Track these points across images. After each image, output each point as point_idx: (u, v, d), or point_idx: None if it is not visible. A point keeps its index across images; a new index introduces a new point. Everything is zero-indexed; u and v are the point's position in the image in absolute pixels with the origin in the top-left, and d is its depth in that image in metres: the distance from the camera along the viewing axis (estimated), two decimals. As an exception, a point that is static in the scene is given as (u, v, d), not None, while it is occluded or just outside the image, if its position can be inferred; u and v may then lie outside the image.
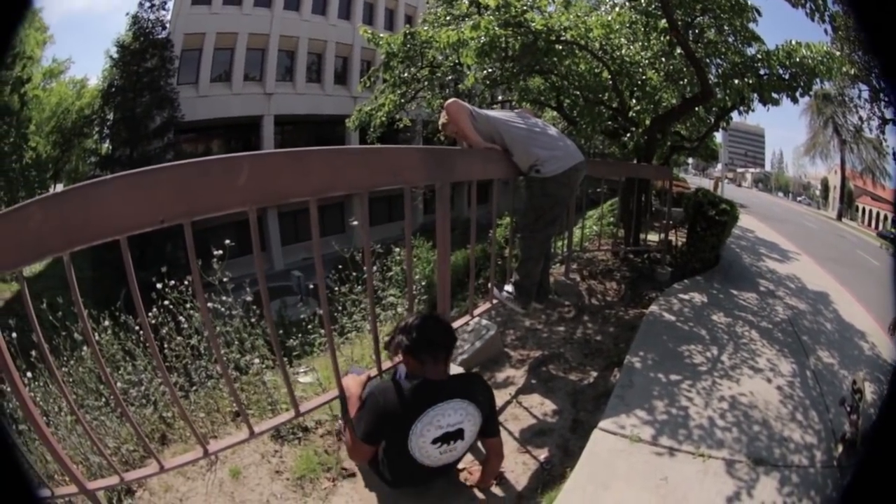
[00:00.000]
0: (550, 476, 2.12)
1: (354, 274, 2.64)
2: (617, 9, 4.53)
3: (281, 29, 17.63)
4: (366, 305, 2.78)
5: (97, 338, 2.30)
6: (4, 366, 1.40)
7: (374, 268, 2.99)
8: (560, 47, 4.13)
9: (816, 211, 22.27)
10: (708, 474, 1.96)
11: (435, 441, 1.67)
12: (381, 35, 5.61)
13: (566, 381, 2.82)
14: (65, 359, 2.55)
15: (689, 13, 4.20)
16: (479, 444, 1.99)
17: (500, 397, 2.65)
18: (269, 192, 1.49)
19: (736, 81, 4.03)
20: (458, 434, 1.70)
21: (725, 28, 4.38)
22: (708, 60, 4.48)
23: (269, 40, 17.43)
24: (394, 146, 2.16)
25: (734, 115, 5.10)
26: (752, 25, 4.32)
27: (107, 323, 2.57)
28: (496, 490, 2.06)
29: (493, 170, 2.38)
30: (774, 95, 4.13)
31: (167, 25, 15.38)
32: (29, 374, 2.39)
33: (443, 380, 1.71)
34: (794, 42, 4.06)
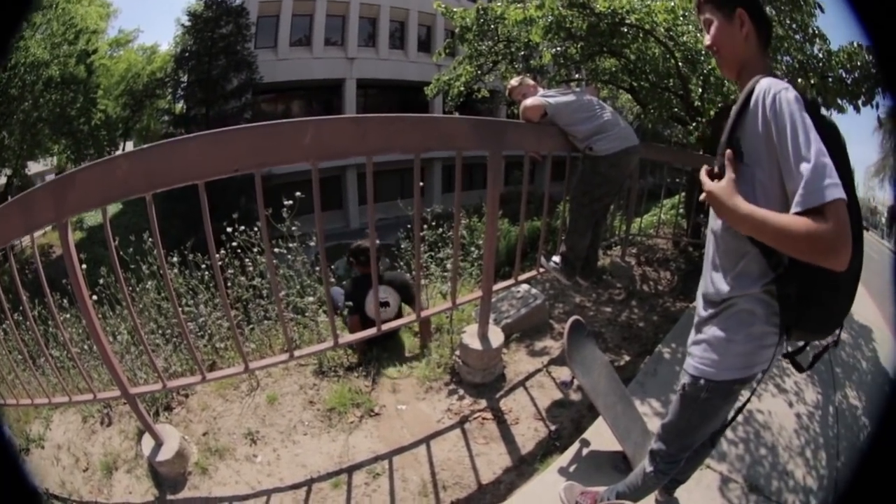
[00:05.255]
0: (555, 447, 2.22)
1: (422, 234, 2.94)
2: None
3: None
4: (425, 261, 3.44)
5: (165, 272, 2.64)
6: (78, 288, 1.69)
7: (439, 230, 3.38)
8: (625, 30, 3.99)
9: (880, 240, 20.49)
10: (700, 484, 1.90)
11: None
12: (455, 9, 5.62)
13: (599, 360, 2.89)
14: (130, 290, 2.89)
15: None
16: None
17: (533, 365, 2.76)
18: (330, 149, 1.72)
19: (799, 80, 3.75)
20: (386, 303, 2.95)
21: (787, 21, 4.08)
22: (775, 56, 4.20)
23: (349, 7, 17.42)
24: (446, 116, 2.28)
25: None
26: (813, 21, 3.94)
27: (175, 259, 2.93)
28: (502, 449, 2.20)
29: (546, 143, 2.44)
30: (839, 101, 3.79)
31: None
32: (94, 297, 2.75)
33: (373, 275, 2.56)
34: (856, 44, 3.71)
